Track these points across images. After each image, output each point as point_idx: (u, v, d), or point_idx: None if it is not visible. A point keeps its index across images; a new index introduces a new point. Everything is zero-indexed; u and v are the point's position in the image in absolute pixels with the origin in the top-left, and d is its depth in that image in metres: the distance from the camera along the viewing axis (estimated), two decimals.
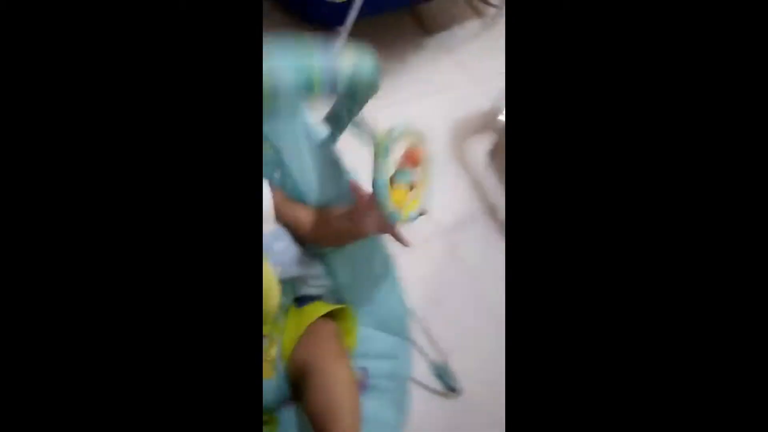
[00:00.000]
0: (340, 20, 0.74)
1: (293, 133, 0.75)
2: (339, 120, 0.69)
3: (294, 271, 0.75)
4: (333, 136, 0.72)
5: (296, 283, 0.77)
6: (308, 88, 0.52)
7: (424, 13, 1.54)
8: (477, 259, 1.14)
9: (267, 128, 0.77)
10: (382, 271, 0.80)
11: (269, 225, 0.75)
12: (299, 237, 0.77)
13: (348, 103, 0.65)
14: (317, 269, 0.80)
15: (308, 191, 0.77)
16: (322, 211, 0.75)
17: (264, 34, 0.34)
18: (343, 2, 0.66)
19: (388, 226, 0.65)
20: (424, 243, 1.10)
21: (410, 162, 0.61)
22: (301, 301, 0.78)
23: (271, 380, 0.68)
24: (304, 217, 0.75)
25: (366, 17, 0.96)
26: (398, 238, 0.67)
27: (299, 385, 0.66)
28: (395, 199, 0.60)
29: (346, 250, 0.78)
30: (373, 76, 0.58)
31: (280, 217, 0.76)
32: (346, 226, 0.69)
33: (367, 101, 0.63)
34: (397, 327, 0.83)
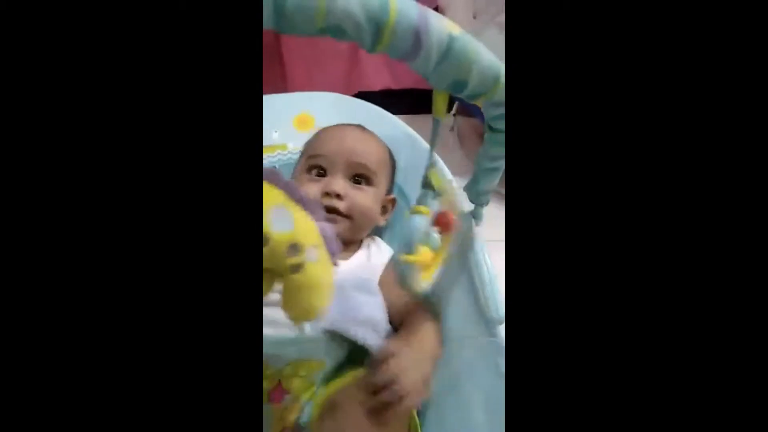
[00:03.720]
0: None
1: None
2: (483, 194, 0.60)
3: (368, 337, 0.58)
4: (477, 213, 0.63)
5: (365, 358, 0.59)
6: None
7: None
8: None
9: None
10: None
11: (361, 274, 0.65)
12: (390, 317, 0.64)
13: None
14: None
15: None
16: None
17: None
18: None
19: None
20: None
21: (441, 226, 0.50)
22: None
23: None
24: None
25: None
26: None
27: None
28: (422, 259, 0.47)
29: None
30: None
31: (385, 283, 0.65)
32: None
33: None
34: None
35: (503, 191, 1.31)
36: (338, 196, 0.71)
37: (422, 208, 0.50)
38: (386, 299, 0.65)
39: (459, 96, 0.42)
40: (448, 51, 0.37)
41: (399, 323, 0.63)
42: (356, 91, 1.52)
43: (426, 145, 0.83)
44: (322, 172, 0.74)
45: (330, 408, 0.54)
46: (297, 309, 0.37)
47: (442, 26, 0.36)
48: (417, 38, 0.35)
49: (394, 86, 1.65)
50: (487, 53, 0.40)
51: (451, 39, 0.36)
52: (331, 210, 0.70)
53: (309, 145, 0.80)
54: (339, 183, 0.72)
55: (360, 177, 0.74)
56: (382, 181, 0.77)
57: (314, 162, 0.75)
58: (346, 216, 0.71)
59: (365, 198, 0.73)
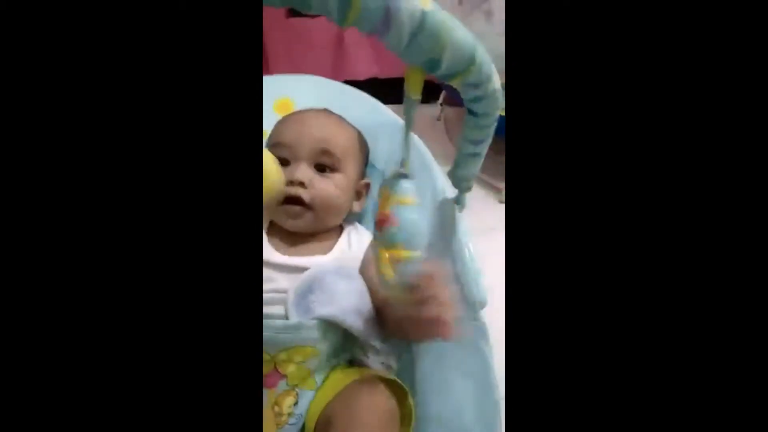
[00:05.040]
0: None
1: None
2: (465, 180, 0.60)
3: (355, 324, 0.59)
4: (460, 199, 0.63)
5: (354, 345, 0.62)
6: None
7: None
8: None
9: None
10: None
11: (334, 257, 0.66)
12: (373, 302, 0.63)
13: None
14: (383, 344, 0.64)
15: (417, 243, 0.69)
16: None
17: None
18: None
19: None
20: None
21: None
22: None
23: None
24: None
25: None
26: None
27: None
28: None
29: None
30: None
31: (365, 269, 0.66)
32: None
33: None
34: None
35: (502, 185, 1.31)
36: (301, 184, 0.68)
37: None
38: (368, 284, 0.64)
39: (434, 74, 0.41)
40: (421, 26, 0.36)
41: (381, 306, 0.63)
42: (342, 81, 1.50)
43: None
44: (285, 162, 0.70)
45: (325, 422, 0.54)
46: None
47: (415, 0, 0.35)
48: (388, 12, 0.34)
49: (380, 75, 1.64)
50: (463, 31, 0.39)
51: (424, 14, 0.35)
52: (294, 199, 0.68)
53: (272, 133, 0.76)
54: (302, 171, 0.69)
55: (324, 165, 0.71)
56: (350, 167, 0.73)
57: (276, 153, 0.70)
58: (308, 207, 0.68)
59: (330, 186, 0.70)
